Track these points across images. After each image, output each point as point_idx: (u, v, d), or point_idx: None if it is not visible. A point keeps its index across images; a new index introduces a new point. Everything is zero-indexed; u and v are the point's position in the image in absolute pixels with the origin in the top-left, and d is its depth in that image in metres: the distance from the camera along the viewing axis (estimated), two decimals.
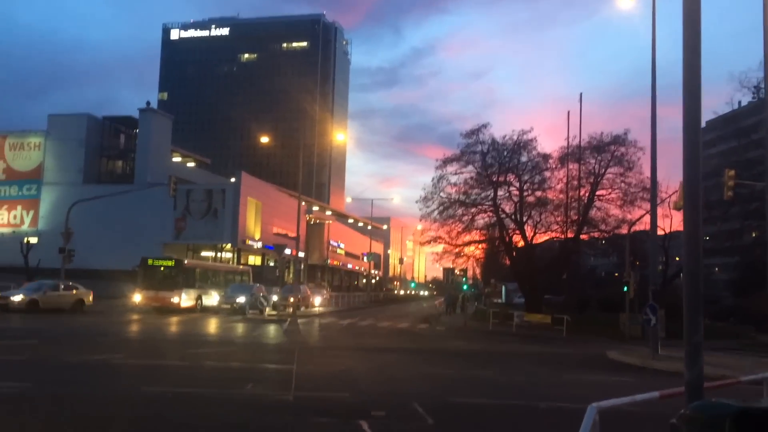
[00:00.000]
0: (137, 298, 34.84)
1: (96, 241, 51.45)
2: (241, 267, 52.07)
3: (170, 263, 36.37)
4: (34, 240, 52.60)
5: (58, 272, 36.96)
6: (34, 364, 14.36)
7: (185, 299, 34.95)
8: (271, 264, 65.44)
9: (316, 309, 44.88)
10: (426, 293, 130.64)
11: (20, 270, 45.72)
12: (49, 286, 32.14)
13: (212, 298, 37.37)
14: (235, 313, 33.73)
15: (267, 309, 36.09)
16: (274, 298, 39.51)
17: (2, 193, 65.07)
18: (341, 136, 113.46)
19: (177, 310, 34.09)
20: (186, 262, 37.35)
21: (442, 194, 38.96)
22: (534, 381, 15.21)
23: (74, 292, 33.10)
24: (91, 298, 34.12)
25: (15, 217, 64.67)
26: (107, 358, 15.44)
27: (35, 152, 64.77)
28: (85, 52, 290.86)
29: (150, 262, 36.32)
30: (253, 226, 63.01)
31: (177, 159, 72.56)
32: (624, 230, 34.94)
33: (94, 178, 64.24)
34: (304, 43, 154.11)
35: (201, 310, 35.78)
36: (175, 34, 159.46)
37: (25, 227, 63.19)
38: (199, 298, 36.45)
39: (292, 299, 39.11)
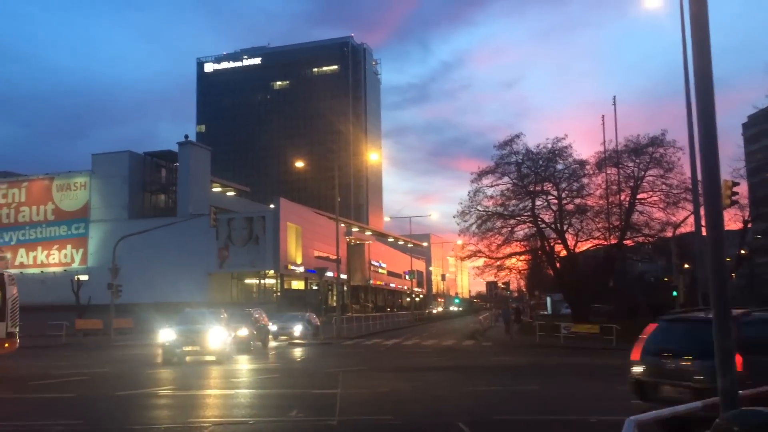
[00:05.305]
0: None
1: (143, 274, 52.56)
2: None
3: None
4: (84, 277, 54.11)
5: (108, 308, 37.69)
6: None
7: None
8: (314, 287, 65.87)
9: (297, 340, 33.55)
10: (461, 309, 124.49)
11: (72, 308, 47.04)
12: None
13: None
14: None
15: None
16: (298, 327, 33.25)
17: (52, 233, 67.27)
18: (375, 155, 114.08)
19: None
20: None
21: (479, 207, 38.83)
22: (583, 394, 14.86)
23: None
24: None
25: (65, 255, 66.71)
26: None
27: (81, 191, 66.86)
28: (122, 91, 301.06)
29: None
30: (294, 250, 63.63)
31: (217, 189, 74.00)
32: (669, 233, 34.09)
33: (139, 213, 65.85)
34: (335, 67, 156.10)
35: None
36: (209, 67, 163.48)
37: (75, 265, 65.09)
38: None
39: (189, 344, 21.27)
